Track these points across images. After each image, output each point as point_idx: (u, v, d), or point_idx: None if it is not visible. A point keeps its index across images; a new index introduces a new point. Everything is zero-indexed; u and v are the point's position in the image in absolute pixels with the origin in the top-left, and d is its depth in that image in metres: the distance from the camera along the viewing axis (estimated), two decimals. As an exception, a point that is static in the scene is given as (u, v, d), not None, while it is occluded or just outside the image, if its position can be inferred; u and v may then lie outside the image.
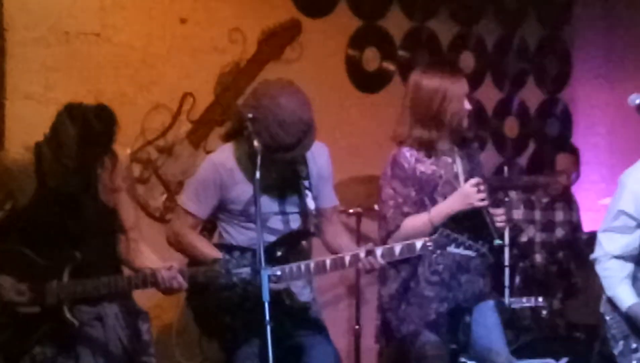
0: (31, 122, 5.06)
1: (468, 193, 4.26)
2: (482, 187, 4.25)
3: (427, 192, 4.31)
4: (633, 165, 4.32)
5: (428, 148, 4.32)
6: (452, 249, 4.09)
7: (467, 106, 4.34)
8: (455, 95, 4.29)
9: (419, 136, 4.31)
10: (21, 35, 5.22)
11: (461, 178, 4.36)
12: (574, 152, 6.62)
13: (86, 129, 3.77)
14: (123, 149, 4.05)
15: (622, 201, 4.24)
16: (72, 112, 3.80)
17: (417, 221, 4.26)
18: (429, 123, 4.29)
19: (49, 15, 5.28)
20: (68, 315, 3.86)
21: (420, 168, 4.31)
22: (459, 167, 4.38)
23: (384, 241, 4.28)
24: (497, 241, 4.23)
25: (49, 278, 3.86)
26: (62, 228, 3.91)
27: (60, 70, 5.29)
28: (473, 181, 4.27)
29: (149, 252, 4.08)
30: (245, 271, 3.85)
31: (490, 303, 4.46)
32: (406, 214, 4.28)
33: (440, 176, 4.33)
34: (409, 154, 4.31)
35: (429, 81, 4.31)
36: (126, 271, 4.06)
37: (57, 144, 3.81)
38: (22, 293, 3.86)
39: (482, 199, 4.25)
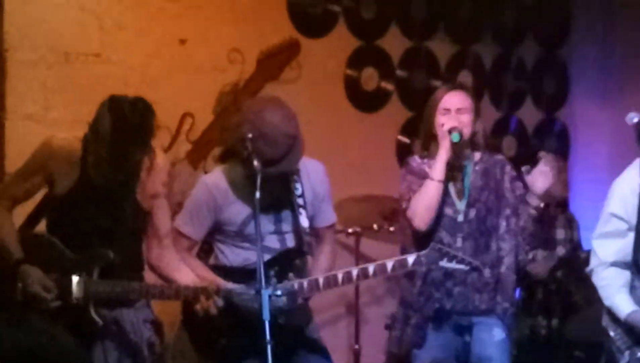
0: (31, 143, 5.04)
1: (442, 137, 4.39)
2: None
3: None
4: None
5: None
6: (444, 263, 4.09)
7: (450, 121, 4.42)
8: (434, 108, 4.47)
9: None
10: (21, 55, 5.24)
11: (454, 197, 4.49)
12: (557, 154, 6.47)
13: (121, 120, 3.72)
14: (163, 155, 4.02)
15: (611, 204, 4.25)
16: (112, 103, 3.76)
17: (421, 188, 4.40)
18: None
19: (49, 35, 5.31)
20: (93, 314, 3.82)
21: (427, 169, 4.45)
22: (450, 188, 4.48)
23: (413, 237, 4.44)
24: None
25: (76, 273, 3.81)
26: (96, 223, 3.86)
27: (60, 90, 5.31)
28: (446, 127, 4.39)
29: (183, 266, 4.06)
30: (282, 300, 3.86)
31: (492, 321, 4.48)
32: None
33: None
34: (417, 157, 4.53)
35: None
36: (150, 277, 4.04)
37: (96, 133, 3.77)
38: (49, 290, 3.80)
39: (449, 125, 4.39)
